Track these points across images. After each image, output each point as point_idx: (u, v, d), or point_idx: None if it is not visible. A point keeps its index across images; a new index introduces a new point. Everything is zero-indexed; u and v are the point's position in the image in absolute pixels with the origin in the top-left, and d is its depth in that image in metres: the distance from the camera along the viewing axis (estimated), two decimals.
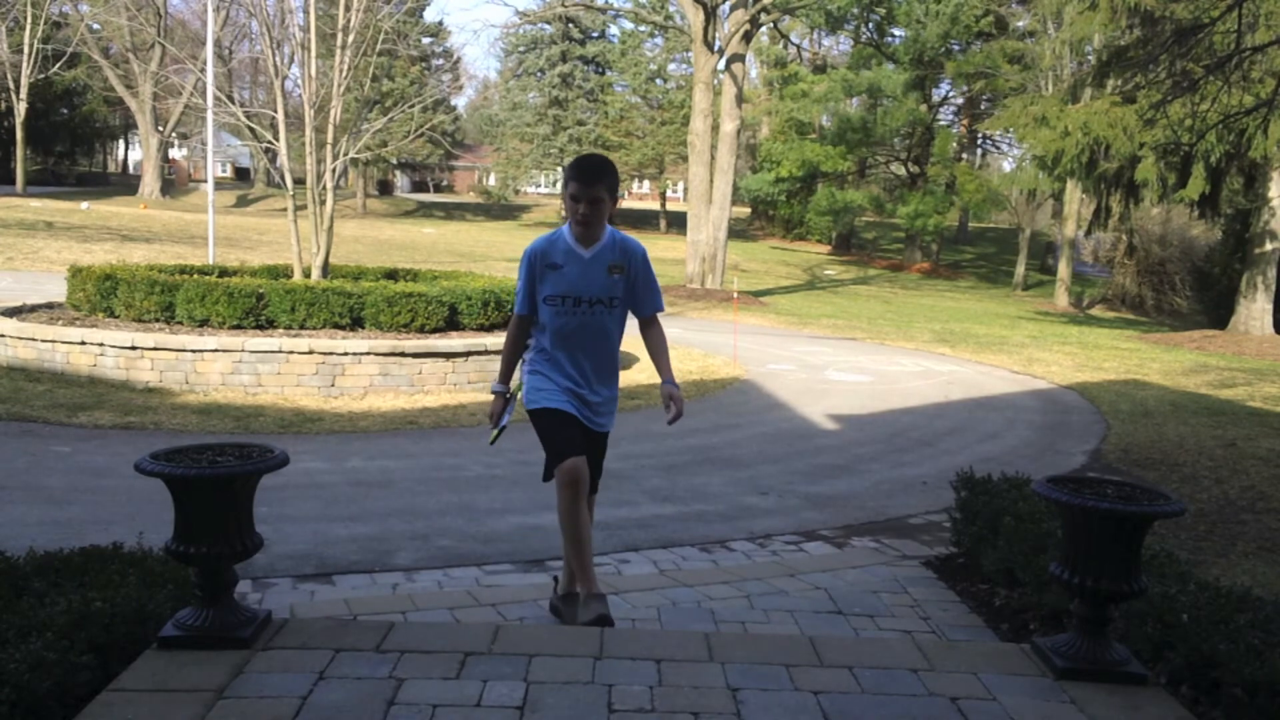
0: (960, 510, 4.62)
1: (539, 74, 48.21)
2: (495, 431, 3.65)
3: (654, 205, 51.88)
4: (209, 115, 15.44)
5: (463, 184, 64.78)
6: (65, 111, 46.05)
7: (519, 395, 3.65)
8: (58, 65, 38.89)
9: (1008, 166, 46.03)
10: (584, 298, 3.49)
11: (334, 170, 12.01)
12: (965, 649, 3.26)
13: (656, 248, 25.90)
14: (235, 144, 49.10)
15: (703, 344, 13.59)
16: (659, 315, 3.70)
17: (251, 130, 13.56)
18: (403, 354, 8.84)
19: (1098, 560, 2.83)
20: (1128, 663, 2.91)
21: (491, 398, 3.68)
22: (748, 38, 22.86)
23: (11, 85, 37.86)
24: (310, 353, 8.57)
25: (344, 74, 11.90)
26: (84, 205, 31.81)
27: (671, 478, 6.35)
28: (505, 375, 3.70)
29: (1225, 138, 14.64)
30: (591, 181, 3.41)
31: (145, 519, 4.92)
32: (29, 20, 35.99)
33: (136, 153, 54.66)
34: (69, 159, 49.87)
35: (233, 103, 15.29)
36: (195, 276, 9.94)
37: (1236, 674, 2.71)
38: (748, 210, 47.60)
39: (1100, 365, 13.98)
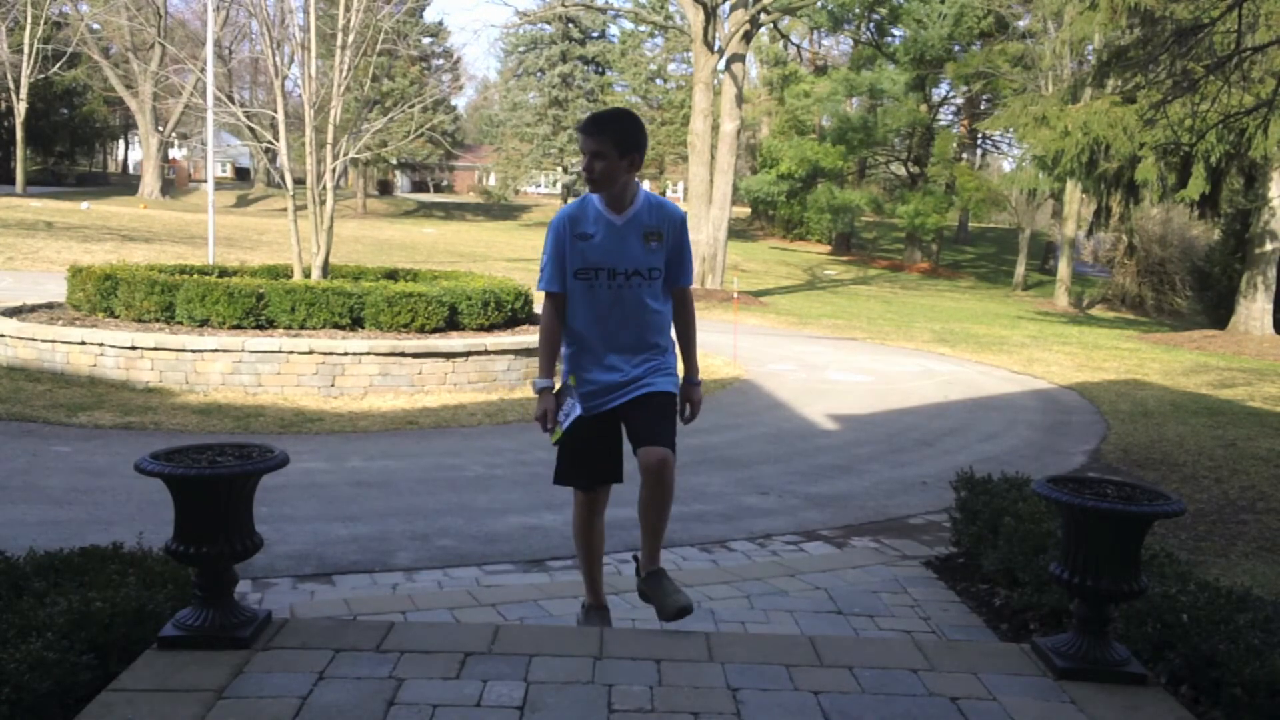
0: (960, 510, 4.62)
1: (539, 74, 48.25)
2: (558, 431, 3.15)
3: None
4: (209, 115, 15.43)
5: (463, 184, 64.80)
6: (65, 111, 46.10)
7: (574, 384, 3.21)
8: (58, 65, 38.93)
9: (1008, 166, 46.07)
10: (619, 270, 3.11)
11: (334, 170, 12.01)
12: (965, 649, 3.26)
13: None
14: (235, 144, 49.11)
15: (703, 344, 13.52)
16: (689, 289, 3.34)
17: (251, 130, 13.55)
18: (403, 354, 8.84)
19: (1098, 560, 2.83)
20: (1128, 663, 2.91)
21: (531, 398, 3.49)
22: (748, 38, 22.86)
23: (11, 85, 37.88)
24: (310, 353, 8.57)
25: (344, 74, 11.90)
26: (84, 205, 31.82)
27: None
28: (547, 368, 3.23)
29: (1225, 138, 14.64)
30: (592, 132, 3.07)
31: (145, 519, 4.92)
32: (29, 20, 36.02)
33: (136, 153, 54.69)
34: (69, 159, 49.92)
35: (233, 103, 15.30)
36: (195, 276, 9.94)
37: (1236, 674, 2.71)
38: (748, 210, 47.62)
39: (1100, 365, 13.97)
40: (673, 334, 3.35)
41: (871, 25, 37.48)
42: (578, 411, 3.13)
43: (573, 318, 3.20)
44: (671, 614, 3.11)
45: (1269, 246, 19.06)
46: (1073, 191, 27.58)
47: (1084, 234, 29.85)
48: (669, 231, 3.18)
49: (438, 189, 64.09)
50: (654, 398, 3.17)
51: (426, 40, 47.65)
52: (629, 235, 3.12)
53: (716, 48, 22.43)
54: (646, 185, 53.36)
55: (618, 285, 3.12)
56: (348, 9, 11.91)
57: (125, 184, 48.62)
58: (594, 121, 3.09)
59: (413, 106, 16.67)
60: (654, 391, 3.18)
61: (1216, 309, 22.53)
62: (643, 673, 2.83)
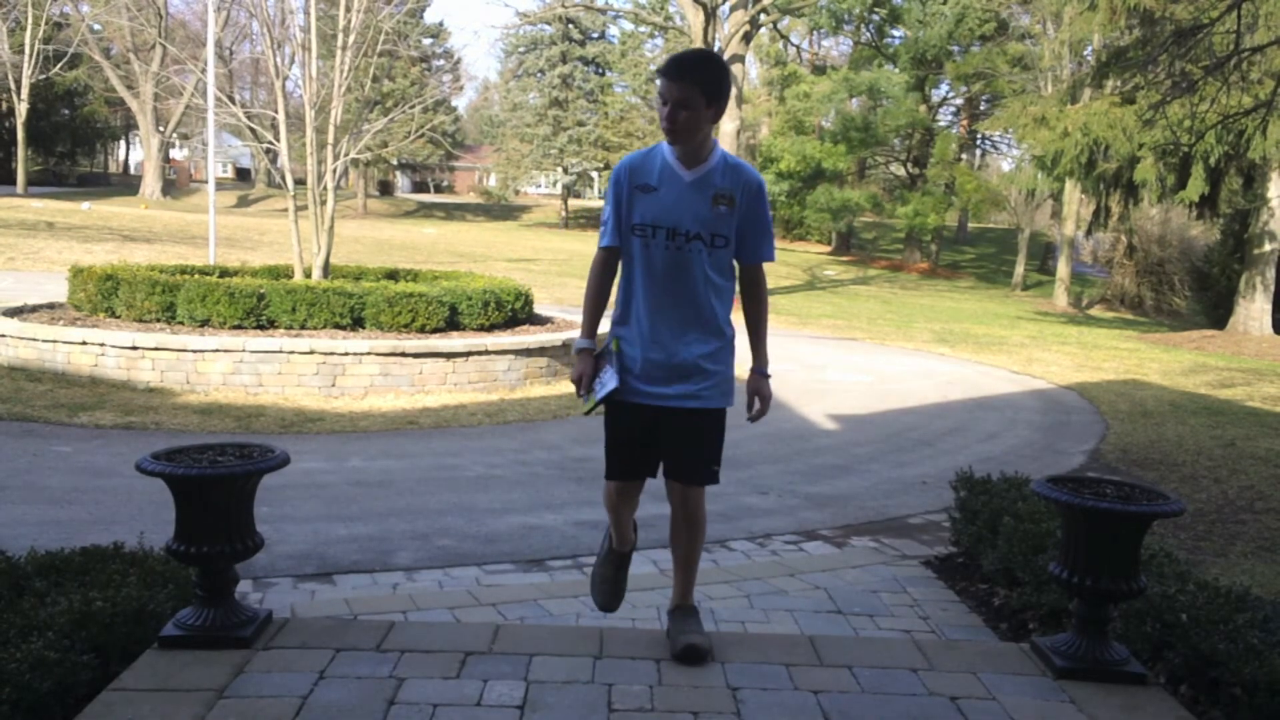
0: (960, 510, 4.63)
1: (539, 75, 48.25)
2: (591, 401, 2.92)
3: None
4: (210, 116, 15.45)
5: (463, 184, 64.82)
6: (66, 112, 46.10)
7: (616, 350, 2.93)
8: (59, 66, 38.95)
9: (1007, 166, 46.07)
10: (679, 230, 2.81)
11: (335, 171, 12.02)
12: (965, 648, 3.26)
13: None
14: (236, 144, 49.15)
15: None
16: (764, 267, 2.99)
17: (252, 131, 13.57)
18: (403, 354, 8.84)
19: (1097, 560, 2.84)
20: (1127, 662, 2.91)
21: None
22: (748, 38, 22.88)
23: (13, 85, 37.88)
24: (311, 353, 8.57)
25: (345, 75, 11.91)
26: (85, 206, 31.81)
27: None
28: (590, 328, 3.00)
29: (1224, 138, 14.67)
30: (678, 76, 2.73)
31: (146, 519, 4.93)
32: (30, 21, 36.03)
33: (137, 153, 54.71)
34: (70, 159, 49.92)
35: (233, 103, 15.31)
36: (196, 277, 9.95)
37: (1236, 673, 2.72)
38: None
39: (1099, 365, 13.98)
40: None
41: (871, 26, 37.49)
42: (613, 384, 2.87)
43: (627, 278, 2.93)
44: (679, 650, 2.91)
45: (1268, 247, 19.07)
46: (1072, 192, 27.59)
47: (1083, 234, 29.85)
48: (742, 197, 2.85)
49: (438, 189, 64.11)
50: (699, 422, 2.92)
51: (427, 41, 47.69)
52: (697, 194, 2.82)
53: (716, 48, 22.44)
54: None
55: (676, 248, 2.82)
56: (348, 10, 11.92)
57: (126, 184, 48.63)
58: (680, 65, 2.76)
59: (413, 107, 16.69)
60: (700, 409, 2.91)
61: (1215, 309, 22.54)
62: (643, 672, 2.84)
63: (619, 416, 2.95)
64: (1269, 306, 19.27)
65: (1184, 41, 7.71)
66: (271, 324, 9.33)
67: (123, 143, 61.01)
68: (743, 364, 2.87)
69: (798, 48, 44.34)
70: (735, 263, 2.96)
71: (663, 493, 2.99)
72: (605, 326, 3.08)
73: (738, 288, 3.03)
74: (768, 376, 3.03)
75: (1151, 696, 2.81)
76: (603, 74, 49.23)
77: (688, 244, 2.82)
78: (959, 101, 41.00)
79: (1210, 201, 17.52)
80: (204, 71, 15.91)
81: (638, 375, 2.89)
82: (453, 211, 50.28)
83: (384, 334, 9.36)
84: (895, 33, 37.01)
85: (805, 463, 7.10)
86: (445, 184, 65.05)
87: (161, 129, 41.52)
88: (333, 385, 8.64)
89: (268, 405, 8.09)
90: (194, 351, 8.45)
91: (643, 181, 2.85)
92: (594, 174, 50.99)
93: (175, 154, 52.66)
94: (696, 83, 2.73)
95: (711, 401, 2.94)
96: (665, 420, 2.91)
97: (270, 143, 12.73)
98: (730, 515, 5.61)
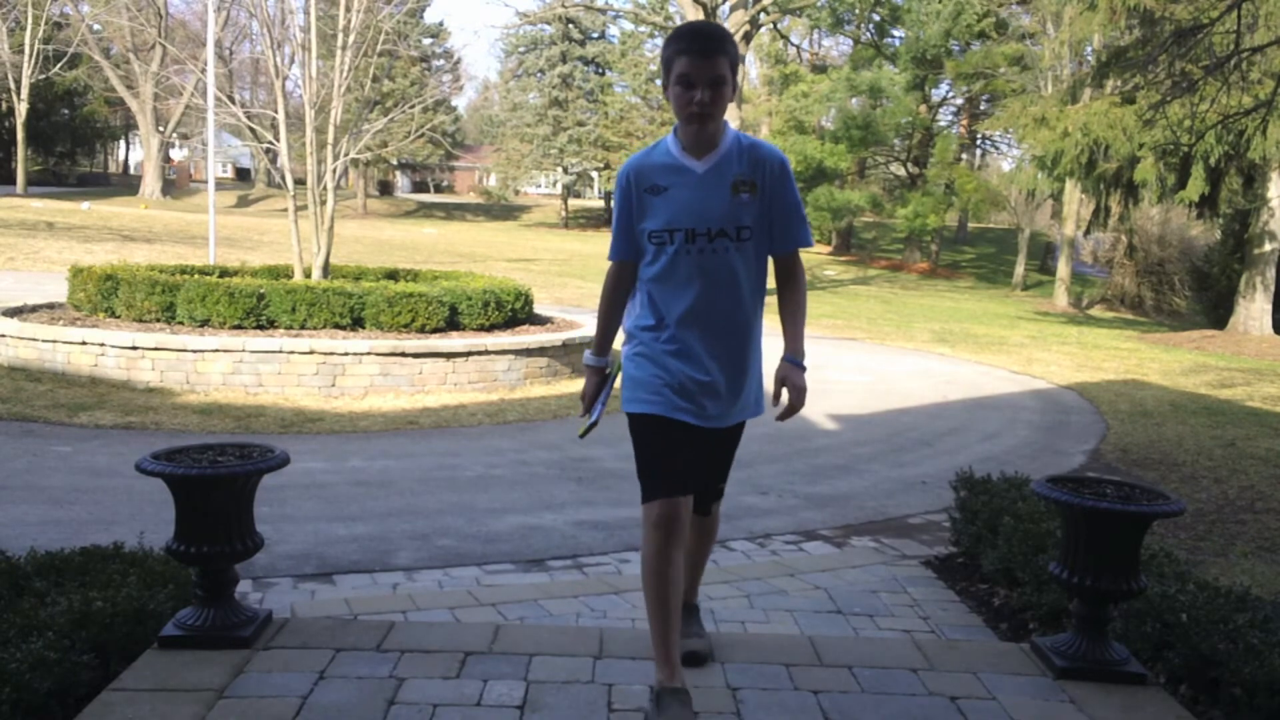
0: (960, 510, 4.63)
1: (539, 74, 48.29)
2: (585, 425, 2.76)
3: None
4: (210, 116, 15.45)
5: (463, 184, 64.83)
6: (66, 112, 46.13)
7: (618, 376, 2.75)
8: (59, 66, 38.97)
9: (1007, 166, 46.06)
10: (700, 230, 2.48)
11: (334, 171, 12.02)
12: (964, 648, 3.26)
13: None
14: (236, 144, 49.14)
15: None
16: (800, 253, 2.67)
17: (252, 130, 13.58)
18: (403, 354, 8.84)
19: (1097, 560, 2.84)
20: (1127, 662, 2.91)
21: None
22: (748, 38, 22.90)
23: (12, 85, 37.88)
24: (311, 353, 8.58)
25: (344, 74, 11.91)
26: (85, 205, 31.81)
27: None
28: (601, 345, 2.77)
29: (1224, 138, 14.68)
30: (711, 53, 2.40)
31: (146, 519, 4.93)
32: (30, 20, 36.04)
33: (137, 153, 54.70)
34: (70, 159, 49.95)
35: (233, 103, 15.30)
36: (196, 277, 9.95)
37: (1235, 673, 2.72)
38: None
39: (1099, 365, 13.98)
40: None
41: (871, 26, 37.49)
42: (595, 416, 2.76)
43: (646, 291, 2.62)
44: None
45: (1268, 247, 19.07)
46: (1072, 192, 27.58)
47: (1083, 234, 29.85)
48: (765, 180, 2.52)
49: (438, 189, 64.12)
50: (732, 437, 2.79)
51: (427, 41, 47.72)
52: (713, 185, 2.49)
53: None
54: None
55: (699, 250, 2.50)
56: (348, 9, 11.92)
57: (126, 184, 48.65)
58: (710, 40, 2.43)
59: (413, 107, 16.68)
60: (734, 426, 2.76)
61: (1215, 309, 22.54)
62: (643, 672, 2.84)
63: (652, 428, 2.58)
64: (1269, 306, 19.27)
65: (1184, 41, 7.72)
66: (271, 324, 9.33)
67: (123, 143, 61.02)
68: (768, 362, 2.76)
69: (798, 47, 44.33)
70: (769, 252, 2.65)
71: None
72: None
73: (776, 277, 2.72)
74: (804, 368, 2.61)
75: (1151, 696, 2.81)
76: (603, 74, 49.26)
77: (711, 244, 2.50)
78: (959, 101, 41.02)
79: (1210, 201, 17.51)
80: (204, 71, 15.91)
81: (675, 390, 2.57)
82: (453, 211, 50.28)
83: (384, 334, 9.36)
84: (896, 32, 37.01)
85: (805, 462, 7.10)
86: (445, 184, 65.06)
87: (161, 129, 41.53)
88: (332, 385, 8.64)
89: (267, 405, 8.09)
90: (194, 351, 8.45)
91: (650, 183, 2.54)
92: (594, 174, 51.00)
93: (175, 154, 52.66)
94: (728, 56, 2.44)
95: (743, 414, 2.74)
96: (697, 437, 2.63)
97: (270, 143, 12.73)
98: (730, 515, 5.60)
